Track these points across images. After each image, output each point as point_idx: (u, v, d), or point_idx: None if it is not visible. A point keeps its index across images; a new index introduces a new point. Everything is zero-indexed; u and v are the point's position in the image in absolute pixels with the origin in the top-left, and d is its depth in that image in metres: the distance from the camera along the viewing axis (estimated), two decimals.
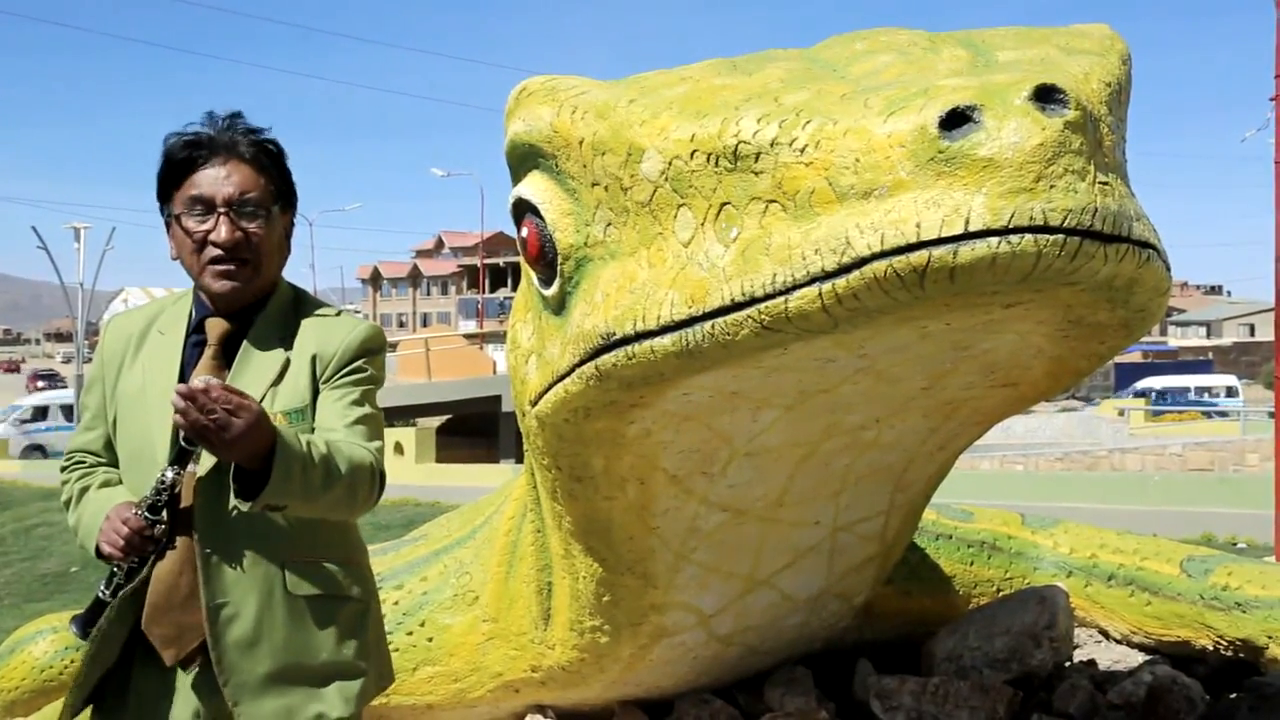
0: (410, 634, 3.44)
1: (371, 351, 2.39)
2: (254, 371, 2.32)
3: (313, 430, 2.30)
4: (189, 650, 2.30)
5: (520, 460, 3.76)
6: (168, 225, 2.39)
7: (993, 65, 1.95)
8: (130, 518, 2.21)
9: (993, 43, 2.08)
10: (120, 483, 2.39)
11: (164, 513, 2.22)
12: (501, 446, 27.87)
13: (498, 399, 27.79)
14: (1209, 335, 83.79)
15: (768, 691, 3.44)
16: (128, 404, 2.38)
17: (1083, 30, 2.15)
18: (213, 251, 2.31)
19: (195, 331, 2.39)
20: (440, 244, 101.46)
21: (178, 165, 2.34)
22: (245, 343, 2.35)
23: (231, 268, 2.32)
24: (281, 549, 2.31)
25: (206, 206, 2.31)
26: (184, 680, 2.32)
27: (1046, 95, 1.66)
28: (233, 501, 2.15)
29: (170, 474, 2.20)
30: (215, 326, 2.36)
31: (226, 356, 2.35)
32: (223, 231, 2.30)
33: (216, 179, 2.31)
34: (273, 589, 2.30)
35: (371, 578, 2.53)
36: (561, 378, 2.23)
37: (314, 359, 2.35)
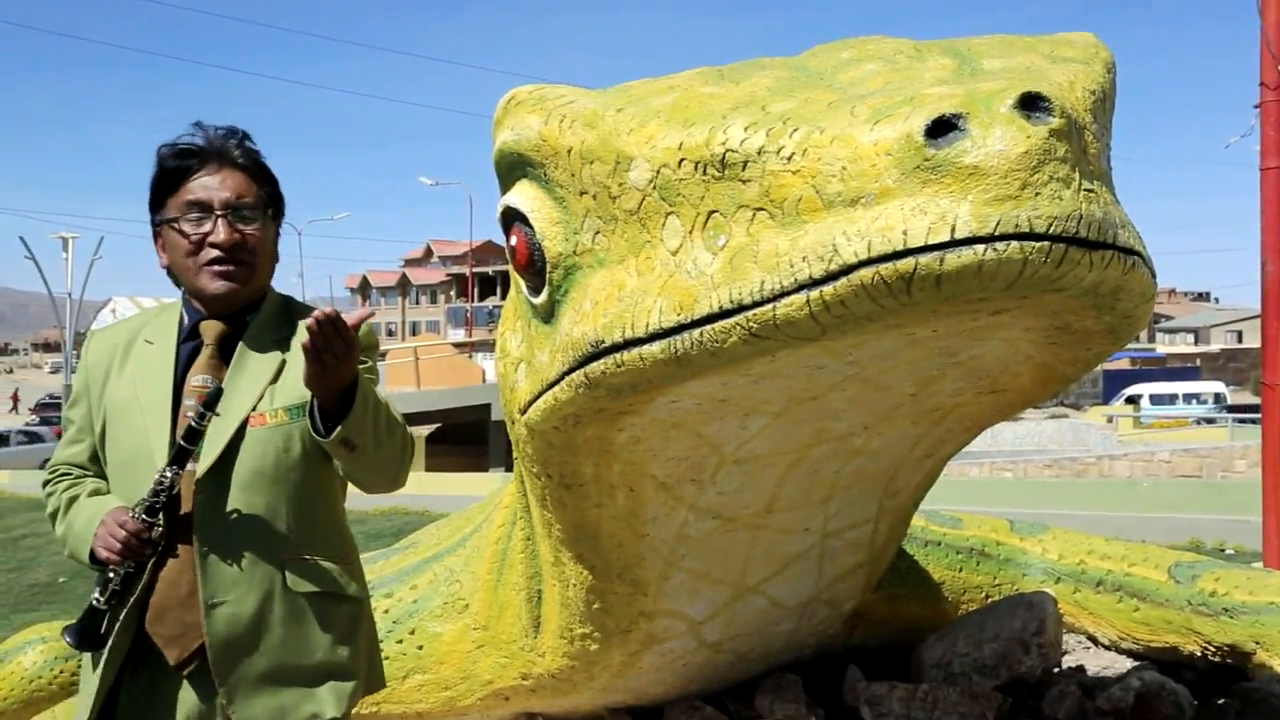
0: (400, 642, 3.43)
1: (369, 347, 2.42)
2: (252, 370, 2.34)
3: None
4: (192, 649, 2.29)
5: (510, 468, 3.75)
6: (157, 234, 2.41)
7: (978, 73, 1.96)
8: (127, 520, 2.21)
9: (978, 51, 2.09)
10: (109, 492, 2.38)
11: (161, 515, 2.22)
12: (491, 455, 27.83)
13: (487, 407, 27.77)
14: (1197, 342, 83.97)
15: (758, 698, 3.45)
16: (118, 411, 2.38)
17: (1068, 39, 2.16)
18: (211, 253, 2.35)
19: (188, 338, 2.40)
20: (429, 253, 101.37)
21: (172, 173, 2.37)
22: (242, 343, 2.38)
23: (230, 268, 2.35)
24: (280, 547, 2.32)
25: (204, 210, 2.34)
26: (181, 684, 2.31)
27: (1031, 103, 1.67)
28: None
29: (170, 474, 2.21)
30: (211, 328, 2.39)
31: (223, 358, 2.36)
32: (221, 233, 2.34)
33: (212, 185, 2.36)
34: (273, 587, 2.31)
35: (364, 577, 2.54)
36: (551, 385, 2.23)
37: None
